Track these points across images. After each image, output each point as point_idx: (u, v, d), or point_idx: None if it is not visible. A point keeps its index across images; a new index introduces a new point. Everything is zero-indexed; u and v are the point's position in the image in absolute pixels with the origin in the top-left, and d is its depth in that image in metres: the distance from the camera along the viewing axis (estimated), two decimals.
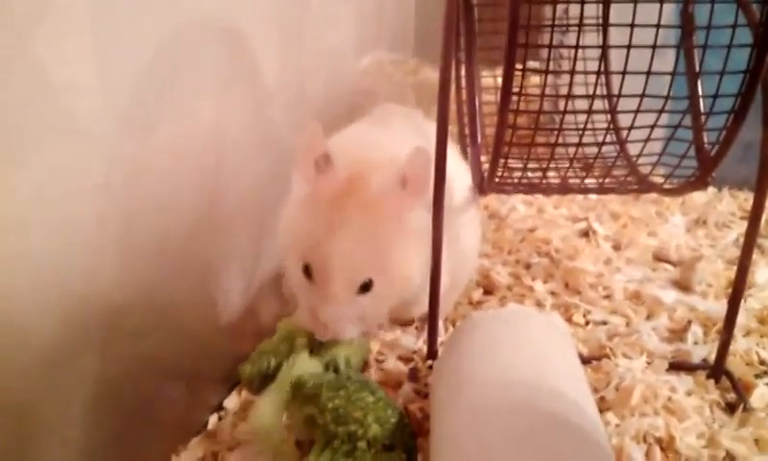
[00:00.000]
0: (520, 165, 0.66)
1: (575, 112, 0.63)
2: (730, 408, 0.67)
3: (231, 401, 0.68)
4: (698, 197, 1.16)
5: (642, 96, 0.58)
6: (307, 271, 0.61)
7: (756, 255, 0.92)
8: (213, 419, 0.66)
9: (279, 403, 0.58)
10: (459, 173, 0.74)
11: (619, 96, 0.59)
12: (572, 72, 0.57)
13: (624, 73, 0.57)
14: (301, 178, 0.62)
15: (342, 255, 0.59)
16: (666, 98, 0.59)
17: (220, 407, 0.68)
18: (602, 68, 0.61)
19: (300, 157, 0.61)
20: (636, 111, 0.59)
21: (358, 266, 0.60)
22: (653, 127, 0.61)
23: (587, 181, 0.70)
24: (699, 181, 0.65)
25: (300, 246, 0.61)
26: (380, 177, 0.60)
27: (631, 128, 0.61)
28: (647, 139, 0.62)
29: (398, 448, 0.56)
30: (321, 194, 0.61)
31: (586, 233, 1.04)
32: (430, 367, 0.71)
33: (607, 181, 0.70)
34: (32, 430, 0.49)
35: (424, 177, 0.60)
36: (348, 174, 0.61)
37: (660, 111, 0.59)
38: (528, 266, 0.95)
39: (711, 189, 1.19)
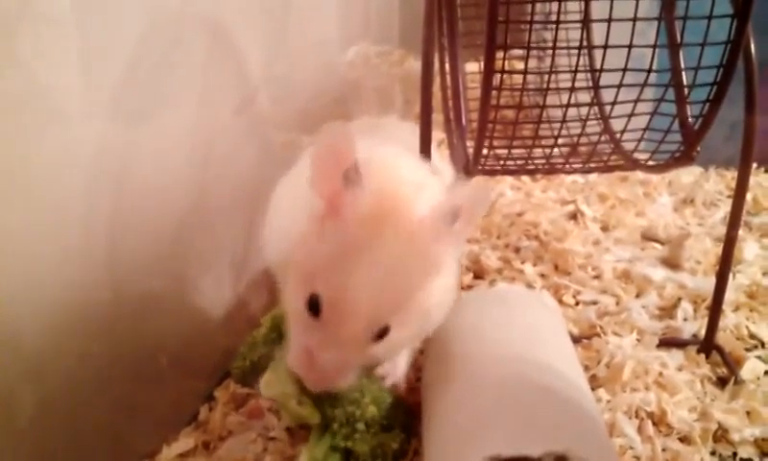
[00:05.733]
0: (505, 144, 0.66)
1: (558, 90, 0.63)
2: (721, 382, 0.67)
3: (221, 392, 0.68)
4: (685, 176, 1.16)
5: (624, 70, 0.57)
6: (313, 304, 0.48)
7: (743, 232, 0.93)
8: (204, 409, 0.66)
9: (286, 372, 0.55)
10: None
11: (601, 70, 0.58)
12: (554, 47, 0.56)
13: (606, 47, 0.56)
14: (318, 190, 0.49)
15: (368, 295, 0.47)
16: (648, 71, 0.59)
17: (210, 397, 0.68)
18: (584, 44, 0.60)
19: (320, 165, 0.48)
20: (619, 86, 0.59)
21: (384, 310, 0.48)
22: (636, 101, 0.60)
23: (572, 159, 0.70)
24: (684, 157, 0.65)
25: (309, 272, 0.49)
26: (427, 203, 0.49)
27: (614, 103, 0.61)
28: (631, 114, 0.62)
29: (396, 427, 0.57)
30: (345, 213, 0.48)
31: (574, 216, 1.04)
32: (421, 351, 0.71)
33: (593, 159, 0.69)
34: (22, 422, 0.49)
35: (480, 214, 0.52)
36: (381, 193, 0.49)
37: (643, 85, 0.59)
38: (517, 250, 0.95)
39: (698, 169, 1.19)
